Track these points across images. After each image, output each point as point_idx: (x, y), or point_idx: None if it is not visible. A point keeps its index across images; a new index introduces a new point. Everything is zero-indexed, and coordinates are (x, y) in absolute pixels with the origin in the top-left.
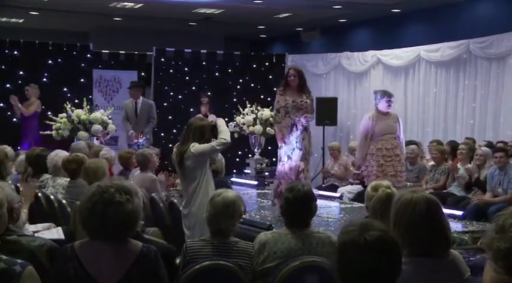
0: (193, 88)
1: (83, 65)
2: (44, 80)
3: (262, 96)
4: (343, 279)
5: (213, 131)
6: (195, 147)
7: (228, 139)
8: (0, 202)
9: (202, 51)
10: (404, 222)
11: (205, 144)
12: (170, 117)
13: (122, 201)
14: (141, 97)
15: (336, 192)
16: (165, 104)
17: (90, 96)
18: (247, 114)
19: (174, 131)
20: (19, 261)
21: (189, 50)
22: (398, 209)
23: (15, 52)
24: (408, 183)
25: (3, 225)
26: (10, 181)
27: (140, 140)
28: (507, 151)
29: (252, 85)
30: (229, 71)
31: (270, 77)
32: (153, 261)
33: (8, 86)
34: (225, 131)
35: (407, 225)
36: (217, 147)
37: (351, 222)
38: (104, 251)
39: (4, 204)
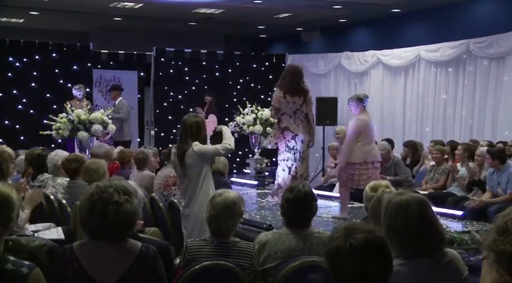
0: (193, 88)
1: (83, 65)
2: (44, 80)
3: (262, 96)
4: (338, 281)
5: (219, 138)
6: (198, 146)
7: (233, 145)
8: (14, 206)
9: (202, 51)
10: (398, 226)
11: (210, 145)
12: (170, 117)
13: (121, 201)
14: (119, 98)
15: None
16: (165, 104)
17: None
18: (247, 114)
19: (174, 131)
20: (26, 262)
21: (189, 50)
22: (390, 213)
23: (15, 52)
24: (388, 177)
25: (12, 227)
26: (10, 182)
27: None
28: (497, 154)
29: (252, 85)
30: (229, 71)
31: (270, 77)
32: (153, 260)
33: (8, 85)
34: (230, 138)
35: (401, 228)
36: (222, 151)
37: (335, 228)
38: (103, 251)
39: (16, 207)
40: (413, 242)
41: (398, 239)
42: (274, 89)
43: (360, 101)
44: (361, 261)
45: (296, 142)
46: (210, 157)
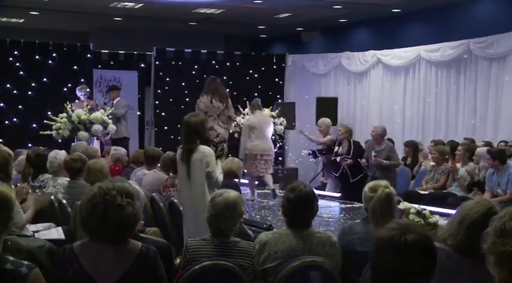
0: (193, 88)
1: (83, 65)
2: (44, 80)
3: (262, 96)
4: (376, 275)
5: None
6: (212, 164)
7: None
8: (12, 205)
9: (202, 51)
10: (461, 212)
11: (219, 173)
12: (170, 117)
13: (123, 205)
14: (117, 98)
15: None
16: (165, 104)
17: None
18: (247, 114)
19: (174, 131)
20: (25, 262)
21: (189, 50)
22: (467, 202)
23: (15, 52)
24: (385, 161)
25: (11, 227)
26: (11, 182)
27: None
28: (498, 154)
29: (252, 85)
30: (229, 71)
31: (270, 77)
32: (152, 261)
33: (8, 86)
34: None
35: (461, 215)
36: (216, 181)
37: (394, 221)
38: (104, 252)
39: (14, 207)
40: (459, 231)
41: (455, 221)
42: (200, 96)
43: (251, 106)
44: (409, 259)
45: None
46: (212, 174)
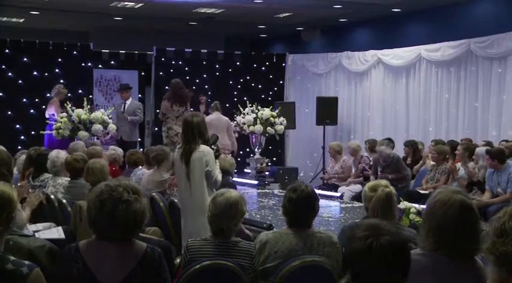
0: (194, 88)
1: (83, 64)
2: (44, 80)
3: (262, 96)
4: (356, 279)
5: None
6: (211, 163)
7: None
8: (14, 205)
9: (202, 51)
10: (435, 221)
11: (218, 172)
12: None
13: (131, 200)
14: (130, 98)
15: (336, 191)
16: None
17: (91, 96)
18: (247, 113)
19: None
20: (27, 262)
21: (189, 50)
22: (433, 206)
23: (15, 52)
24: (390, 175)
25: (12, 227)
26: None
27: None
28: (496, 154)
29: (253, 85)
30: (230, 70)
31: (270, 76)
32: (157, 262)
33: (8, 85)
34: (219, 174)
35: (437, 224)
36: (214, 181)
37: (358, 225)
38: (109, 251)
39: (16, 207)
40: (445, 241)
41: (430, 230)
42: (162, 100)
43: (210, 108)
44: (383, 263)
45: (179, 138)
46: (211, 172)
